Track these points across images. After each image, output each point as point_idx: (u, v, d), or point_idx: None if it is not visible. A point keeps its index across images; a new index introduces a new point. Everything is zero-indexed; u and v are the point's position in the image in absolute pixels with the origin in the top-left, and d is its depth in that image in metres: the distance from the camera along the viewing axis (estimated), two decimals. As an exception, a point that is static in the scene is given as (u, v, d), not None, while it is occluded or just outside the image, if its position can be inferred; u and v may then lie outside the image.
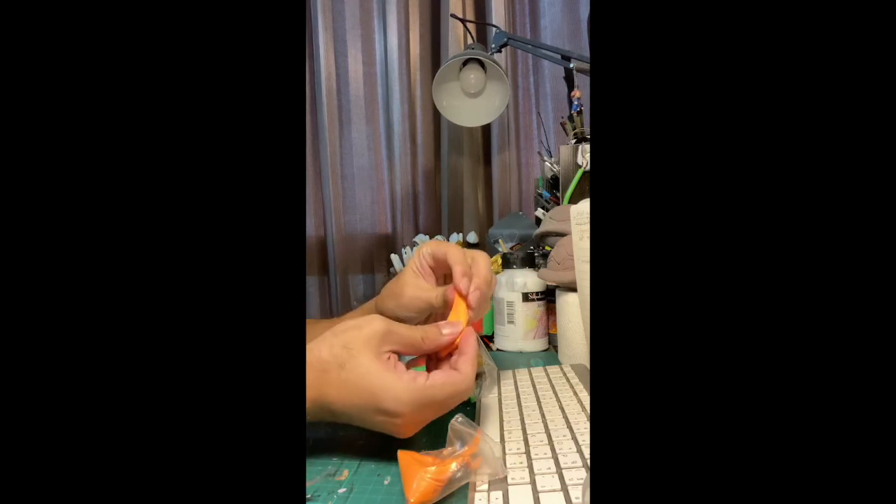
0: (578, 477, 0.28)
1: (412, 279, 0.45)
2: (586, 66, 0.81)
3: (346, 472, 0.33)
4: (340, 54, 1.08)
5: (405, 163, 1.12)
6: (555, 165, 0.75)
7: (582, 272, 0.49)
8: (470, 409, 0.42)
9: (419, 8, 1.11)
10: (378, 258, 1.13)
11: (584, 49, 1.02)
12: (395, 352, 0.34)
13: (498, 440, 0.34)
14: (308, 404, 0.33)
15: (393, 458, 0.31)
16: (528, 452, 0.32)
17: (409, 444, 0.34)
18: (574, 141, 0.74)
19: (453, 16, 1.05)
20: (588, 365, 0.51)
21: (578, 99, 0.77)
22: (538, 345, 0.65)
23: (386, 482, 0.32)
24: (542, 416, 0.38)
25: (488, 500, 0.27)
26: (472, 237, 1.01)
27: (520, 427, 0.36)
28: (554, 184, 0.77)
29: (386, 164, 1.11)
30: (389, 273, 1.01)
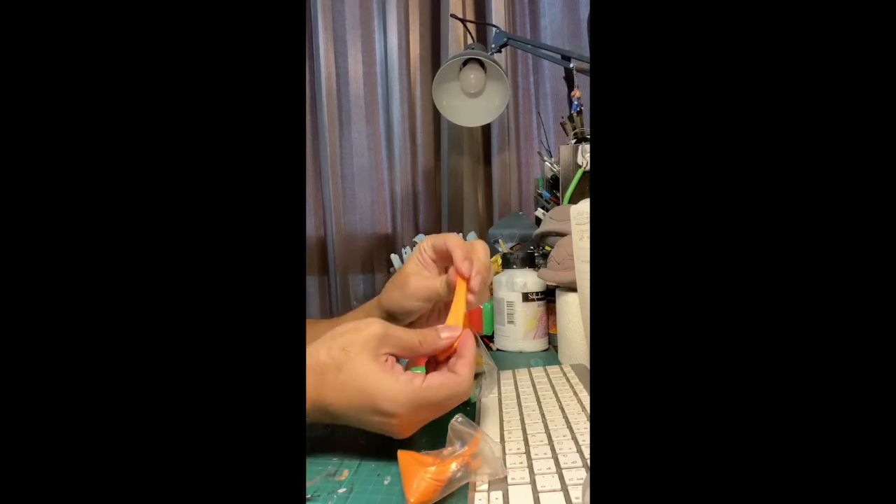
0: (578, 477, 0.28)
1: (416, 269, 0.46)
2: (586, 66, 0.81)
3: (346, 472, 0.33)
4: (340, 54, 1.08)
5: (405, 163, 1.12)
6: (555, 165, 0.75)
7: (582, 272, 0.49)
8: (470, 408, 0.41)
9: (419, 8, 1.11)
10: (378, 258, 1.13)
11: (584, 49, 1.02)
12: (392, 354, 0.34)
13: (498, 440, 0.34)
14: (306, 406, 0.33)
15: (393, 458, 0.31)
16: (528, 452, 0.32)
17: (409, 444, 0.34)
18: (574, 141, 0.74)
19: (453, 16, 1.05)
20: (588, 365, 0.51)
21: (578, 99, 0.77)
22: (538, 345, 0.65)
23: (386, 482, 0.32)
24: (542, 416, 0.38)
25: (488, 500, 0.27)
26: (472, 237, 1.01)
27: (520, 427, 0.36)
28: (554, 184, 0.77)
29: (386, 164, 1.11)
30: (389, 273, 1.01)
